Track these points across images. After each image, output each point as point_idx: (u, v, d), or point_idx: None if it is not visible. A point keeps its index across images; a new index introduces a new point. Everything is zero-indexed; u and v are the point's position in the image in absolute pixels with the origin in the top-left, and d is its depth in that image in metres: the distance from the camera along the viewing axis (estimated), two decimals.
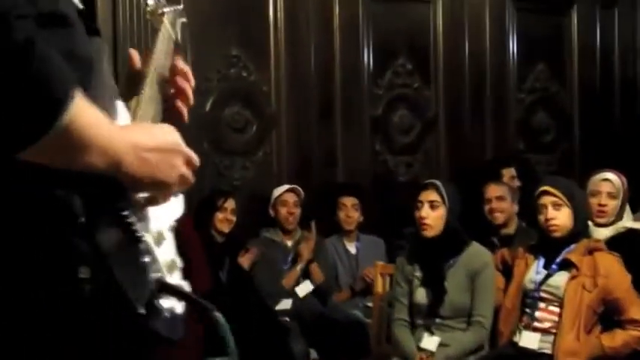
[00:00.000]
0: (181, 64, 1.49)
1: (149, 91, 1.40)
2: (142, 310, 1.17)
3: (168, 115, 1.46)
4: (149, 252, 1.24)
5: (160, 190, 1.25)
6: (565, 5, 6.61)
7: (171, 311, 1.26)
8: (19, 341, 1.13)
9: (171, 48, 1.48)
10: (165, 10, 1.49)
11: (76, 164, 1.10)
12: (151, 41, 1.47)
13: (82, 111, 1.08)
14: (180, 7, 1.54)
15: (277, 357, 4.52)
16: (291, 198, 5.27)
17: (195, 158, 1.30)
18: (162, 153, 1.22)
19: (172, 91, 1.47)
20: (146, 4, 1.47)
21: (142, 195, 1.25)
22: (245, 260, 5.02)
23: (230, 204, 5.03)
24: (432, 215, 3.98)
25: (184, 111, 1.49)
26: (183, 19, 1.53)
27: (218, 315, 1.33)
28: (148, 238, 1.24)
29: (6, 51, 1.01)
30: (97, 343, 1.16)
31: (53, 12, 1.10)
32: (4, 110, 1.02)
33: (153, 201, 1.27)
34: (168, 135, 1.26)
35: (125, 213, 1.18)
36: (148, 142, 1.21)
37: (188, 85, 1.49)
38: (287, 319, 4.91)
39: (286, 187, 5.33)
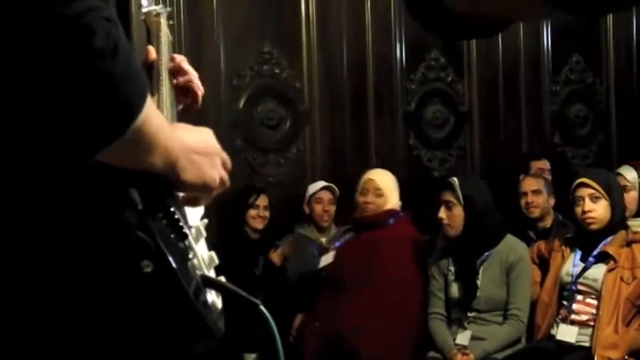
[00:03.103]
0: (179, 57, 1.58)
1: (165, 90, 1.44)
2: (199, 307, 1.17)
3: (184, 98, 1.56)
4: (192, 248, 1.25)
5: (203, 192, 1.27)
6: None
7: (215, 306, 1.27)
8: (81, 336, 1.13)
9: (170, 46, 1.56)
10: (161, 11, 1.56)
11: (139, 164, 1.11)
12: (151, 42, 1.54)
13: (151, 113, 1.10)
14: (169, 9, 1.63)
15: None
16: (326, 196, 5.25)
17: (229, 161, 1.33)
18: (207, 156, 1.25)
19: (175, 81, 1.55)
20: (140, 6, 1.51)
21: (184, 194, 1.27)
22: (275, 256, 5.01)
23: (262, 201, 5.03)
24: (449, 215, 3.98)
25: (200, 93, 1.57)
26: (170, 21, 1.61)
27: (264, 310, 1.33)
28: (189, 235, 1.25)
29: (94, 54, 1.01)
30: (155, 338, 1.16)
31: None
32: (86, 111, 1.02)
33: (196, 201, 1.30)
34: (210, 137, 1.29)
35: (173, 209, 1.19)
36: (196, 144, 1.23)
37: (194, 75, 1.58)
38: None
39: (322, 184, 5.30)
